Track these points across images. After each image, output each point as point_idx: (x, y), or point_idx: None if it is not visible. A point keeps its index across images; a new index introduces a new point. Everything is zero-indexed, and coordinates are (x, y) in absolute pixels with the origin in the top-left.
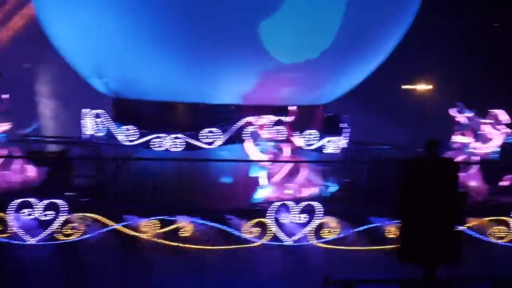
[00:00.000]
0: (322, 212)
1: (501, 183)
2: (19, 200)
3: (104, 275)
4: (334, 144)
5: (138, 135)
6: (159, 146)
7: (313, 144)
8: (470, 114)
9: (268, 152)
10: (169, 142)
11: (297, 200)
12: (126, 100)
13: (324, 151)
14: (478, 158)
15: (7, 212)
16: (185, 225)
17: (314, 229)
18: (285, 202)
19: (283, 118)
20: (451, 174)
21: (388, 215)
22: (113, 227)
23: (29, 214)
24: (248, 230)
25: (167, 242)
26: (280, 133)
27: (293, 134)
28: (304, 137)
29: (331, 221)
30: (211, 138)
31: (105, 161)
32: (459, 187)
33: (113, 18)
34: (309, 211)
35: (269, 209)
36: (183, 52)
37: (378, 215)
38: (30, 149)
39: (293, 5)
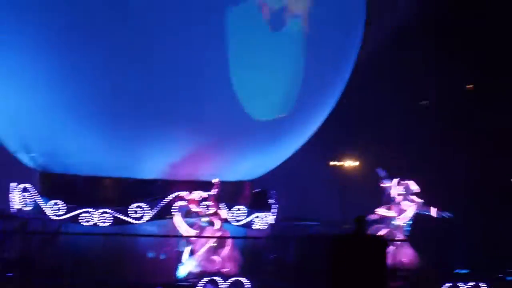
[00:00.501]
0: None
1: None
2: None
3: None
4: (262, 220)
5: (66, 210)
6: (86, 221)
7: (241, 219)
8: (392, 183)
9: (196, 227)
10: (96, 217)
11: (227, 275)
12: (53, 174)
13: (254, 227)
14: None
15: None
16: None
17: None
18: (214, 277)
19: (208, 193)
20: (379, 251)
21: None
22: None
23: None
24: None
25: None
26: (208, 207)
27: (219, 207)
28: (232, 213)
29: None
30: (140, 213)
31: (32, 235)
32: (387, 263)
33: (35, 92)
34: (238, 286)
35: (198, 284)
36: (107, 127)
37: None
38: None
39: None
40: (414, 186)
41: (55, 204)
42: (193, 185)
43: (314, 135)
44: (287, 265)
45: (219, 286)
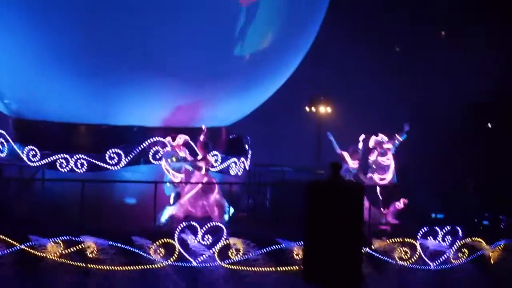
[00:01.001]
0: (229, 233)
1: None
2: None
3: None
4: (238, 166)
5: (41, 156)
6: (63, 167)
7: (218, 165)
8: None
9: (182, 172)
10: (72, 163)
11: (204, 221)
12: (28, 121)
13: (230, 173)
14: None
15: None
16: (91, 245)
17: (220, 249)
18: (191, 223)
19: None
20: (355, 198)
21: (294, 237)
22: (18, 247)
23: None
24: (154, 251)
25: (72, 263)
26: (191, 152)
27: (206, 153)
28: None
29: (238, 242)
30: (115, 159)
31: (8, 181)
32: (363, 210)
33: (9, 39)
34: (215, 231)
35: (175, 230)
36: (82, 73)
37: (285, 237)
38: None
39: None
40: (384, 138)
41: (31, 150)
42: (169, 131)
43: (289, 80)
44: (263, 210)
45: (196, 231)
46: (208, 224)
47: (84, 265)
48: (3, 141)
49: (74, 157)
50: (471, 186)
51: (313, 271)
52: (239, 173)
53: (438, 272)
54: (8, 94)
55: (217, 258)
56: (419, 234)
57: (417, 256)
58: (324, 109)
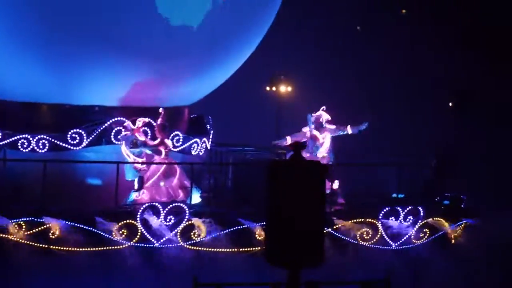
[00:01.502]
0: (191, 214)
1: None
2: None
3: None
4: (199, 146)
5: (2, 136)
6: (24, 147)
7: (179, 146)
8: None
9: (142, 156)
10: (34, 143)
11: (166, 202)
12: None
13: (192, 153)
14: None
15: None
16: (53, 226)
17: (182, 230)
18: (154, 204)
19: (153, 121)
20: (317, 177)
21: (256, 217)
22: None
23: None
24: (116, 231)
25: (35, 244)
26: (152, 135)
27: (164, 136)
28: (171, 139)
29: (200, 223)
30: (77, 139)
31: None
32: (325, 189)
33: None
34: (178, 213)
35: (138, 211)
36: (42, 52)
37: (247, 217)
38: None
39: None
40: (325, 116)
41: None
42: (131, 111)
43: (250, 59)
44: (225, 191)
45: (158, 212)
46: (170, 205)
47: (47, 246)
48: None
49: (36, 137)
50: (433, 165)
51: (275, 252)
52: (201, 153)
53: (399, 251)
54: None
55: (179, 239)
56: (380, 214)
57: (378, 236)
58: (284, 88)
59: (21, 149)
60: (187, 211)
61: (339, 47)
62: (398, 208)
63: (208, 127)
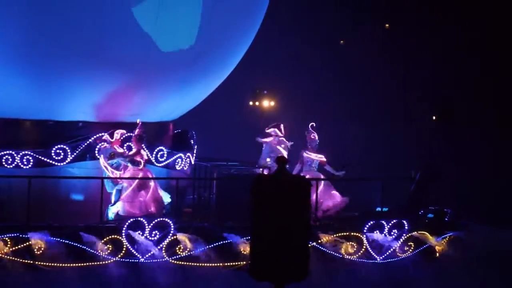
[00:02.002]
0: (176, 229)
1: None
2: None
3: None
4: (184, 161)
5: None
6: (8, 163)
7: (163, 161)
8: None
9: (120, 168)
10: (18, 159)
11: (150, 217)
12: None
13: (176, 168)
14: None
15: None
16: (38, 242)
17: (167, 245)
18: (138, 218)
19: (129, 133)
20: (301, 192)
21: (241, 232)
22: None
23: None
24: (101, 247)
25: (20, 260)
26: (130, 148)
27: (142, 148)
28: (155, 154)
29: (185, 238)
30: (61, 155)
31: None
32: (310, 204)
33: None
34: (163, 228)
35: (123, 226)
36: (25, 69)
37: (232, 232)
38: None
39: None
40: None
41: None
42: (114, 126)
43: (233, 73)
44: (209, 206)
45: (143, 227)
46: (155, 220)
47: (32, 262)
48: None
49: (20, 153)
50: (415, 178)
51: (260, 266)
52: (185, 168)
53: (384, 265)
54: None
55: (164, 254)
56: (365, 227)
57: (363, 249)
58: (267, 103)
59: (5, 165)
60: (172, 226)
61: (322, 61)
62: (383, 222)
63: (192, 142)
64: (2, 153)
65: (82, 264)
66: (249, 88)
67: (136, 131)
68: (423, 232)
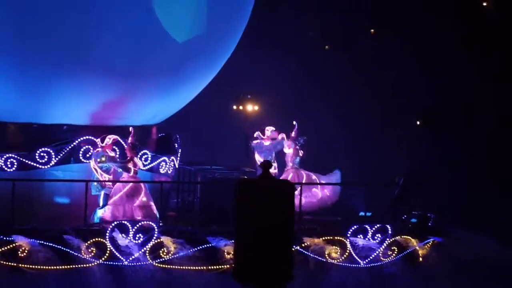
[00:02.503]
0: (160, 232)
1: None
2: None
3: None
4: (168, 165)
5: None
6: None
7: (147, 164)
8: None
9: (110, 173)
10: (2, 162)
11: (135, 221)
12: None
13: (160, 171)
14: None
15: None
16: (22, 245)
17: (151, 249)
18: (122, 222)
19: (122, 138)
20: (285, 196)
21: (225, 236)
22: None
23: None
24: (85, 250)
25: (4, 262)
26: (121, 153)
27: (134, 155)
28: (139, 157)
29: (168, 241)
30: (45, 158)
31: None
32: (294, 207)
33: None
34: (147, 231)
35: (106, 229)
36: (10, 72)
37: (216, 236)
38: None
39: None
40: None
41: None
42: (99, 130)
43: (216, 77)
44: (193, 209)
45: (127, 231)
46: (139, 223)
47: (16, 265)
48: None
49: (4, 156)
50: (399, 183)
51: (244, 270)
52: (169, 172)
53: (367, 269)
54: None
55: (148, 257)
56: (349, 232)
57: (347, 254)
58: (251, 107)
59: None
60: (156, 229)
61: (307, 65)
62: (366, 226)
63: (176, 146)
64: None
65: (66, 267)
66: (233, 92)
67: (129, 139)
68: (406, 236)
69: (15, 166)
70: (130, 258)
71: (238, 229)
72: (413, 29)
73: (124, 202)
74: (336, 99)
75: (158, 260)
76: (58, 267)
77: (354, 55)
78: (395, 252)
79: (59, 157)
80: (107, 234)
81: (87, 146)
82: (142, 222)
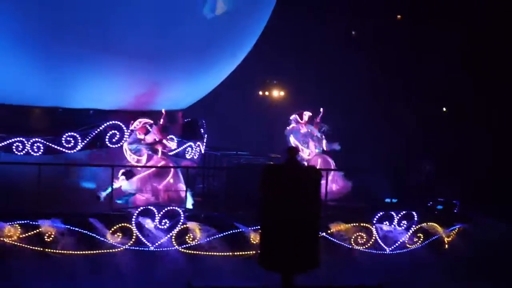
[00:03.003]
0: (186, 218)
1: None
2: None
3: None
4: (194, 150)
5: None
6: (19, 150)
7: (174, 149)
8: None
9: (141, 154)
10: (28, 146)
11: (162, 205)
12: None
13: (186, 157)
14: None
15: None
16: (48, 229)
17: (177, 234)
18: (149, 207)
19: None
20: (313, 181)
21: (250, 222)
22: None
23: None
24: (111, 235)
25: (31, 247)
26: (153, 135)
27: (164, 137)
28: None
29: (195, 227)
30: (72, 142)
31: None
32: (320, 193)
33: None
34: (173, 216)
35: (133, 214)
36: (35, 55)
37: (242, 221)
38: None
39: None
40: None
41: None
42: (125, 115)
43: (243, 63)
44: (219, 195)
45: (153, 215)
46: (166, 209)
47: (42, 249)
48: None
49: (30, 140)
50: (427, 171)
51: (270, 256)
52: (195, 157)
53: (393, 256)
54: None
55: (174, 243)
56: (375, 218)
57: (373, 240)
58: (277, 93)
59: (16, 152)
60: (182, 215)
61: (333, 51)
62: (392, 213)
63: (202, 131)
64: (13, 140)
65: (91, 252)
66: (259, 78)
67: (161, 121)
68: (432, 223)
69: (41, 150)
70: (156, 243)
71: (263, 215)
72: (440, 14)
73: (151, 181)
74: (362, 85)
75: (184, 245)
76: (84, 252)
77: (381, 39)
78: (421, 239)
79: (85, 141)
80: (133, 219)
81: (113, 131)
82: (168, 207)
